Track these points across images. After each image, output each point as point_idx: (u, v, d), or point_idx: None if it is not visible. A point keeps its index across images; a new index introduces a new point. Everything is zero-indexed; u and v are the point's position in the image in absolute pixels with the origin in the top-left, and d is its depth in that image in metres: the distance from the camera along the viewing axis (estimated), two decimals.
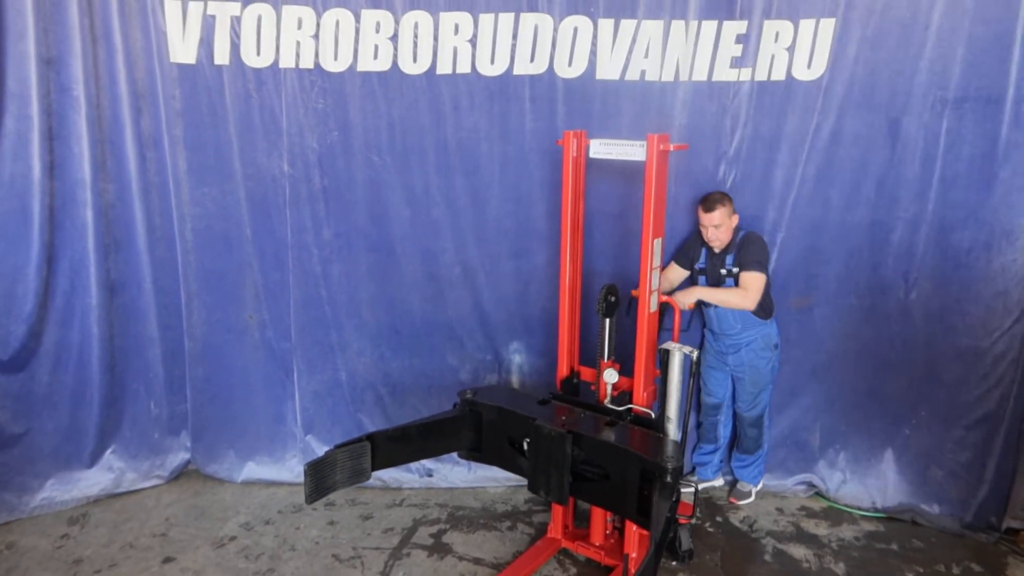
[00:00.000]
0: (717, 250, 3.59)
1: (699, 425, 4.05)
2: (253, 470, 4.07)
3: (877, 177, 3.60)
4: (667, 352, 2.96)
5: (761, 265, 3.52)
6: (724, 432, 4.00)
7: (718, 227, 3.48)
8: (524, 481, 3.95)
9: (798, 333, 3.79)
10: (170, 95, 3.58)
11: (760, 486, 4.03)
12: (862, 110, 3.52)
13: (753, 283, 3.51)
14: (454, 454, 3.94)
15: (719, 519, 3.83)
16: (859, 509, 3.92)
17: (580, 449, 2.87)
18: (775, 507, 3.95)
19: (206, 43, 3.51)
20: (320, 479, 2.75)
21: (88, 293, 3.74)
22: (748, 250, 3.52)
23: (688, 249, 3.72)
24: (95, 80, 3.54)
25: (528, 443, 2.97)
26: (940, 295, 3.64)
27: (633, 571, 2.44)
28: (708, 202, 3.48)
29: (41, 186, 3.54)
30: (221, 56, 3.53)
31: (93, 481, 3.90)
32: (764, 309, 3.63)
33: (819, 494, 4.04)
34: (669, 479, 2.55)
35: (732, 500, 3.98)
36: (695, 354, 2.99)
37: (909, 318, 3.71)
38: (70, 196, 3.63)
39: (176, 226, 3.76)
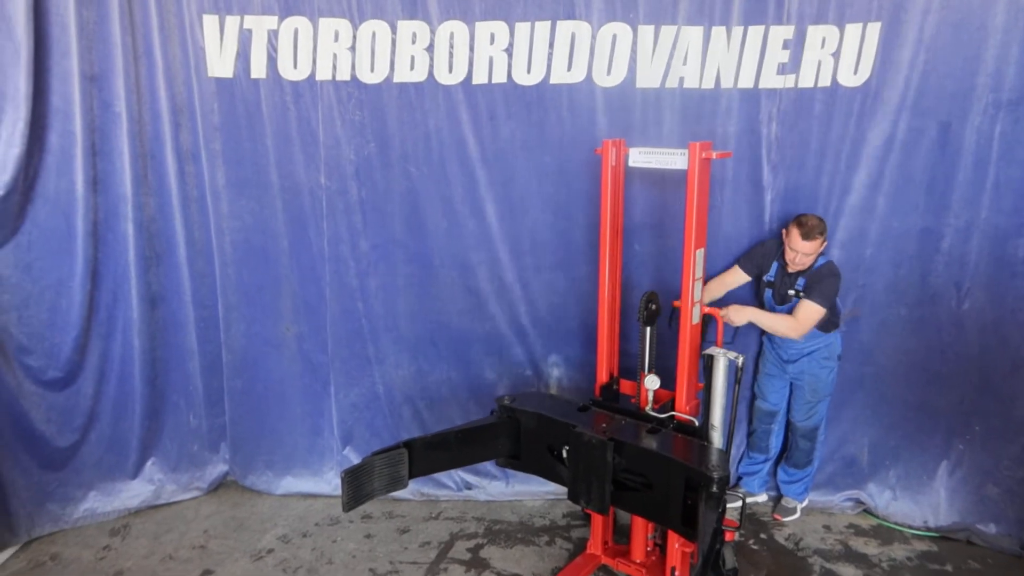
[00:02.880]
0: (792, 270, 3.47)
1: (751, 434, 3.95)
2: (291, 483, 4.07)
3: (927, 183, 3.49)
4: (711, 357, 2.87)
5: (826, 300, 3.39)
6: (776, 442, 3.90)
7: (808, 256, 3.35)
8: (562, 495, 3.95)
9: (846, 344, 3.68)
10: (208, 109, 3.60)
11: (806, 503, 3.92)
12: (911, 115, 3.41)
13: (809, 316, 3.39)
14: (491, 467, 4.01)
15: (763, 536, 3.73)
16: (910, 528, 3.78)
17: (621, 457, 2.80)
18: (822, 524, 3.83)
19: (243, 57, 3.53)
20: (357, 487, 2.74)
21: (129, 306, 3.77)
22: (820, 281, 3.38)
23: (759, 257, 3.58)
24: (136, 96, 3.58)
25: (568, 451, 2.91)
26: (994, 305, 3.51)
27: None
28: (806, 228, 3.28)
29: (85, 201, 3.57)
30: (258, 70, 3.54)
31: (134, 492, 3.94)
32: (829, 322, 3.53)
33: (868, 511, 3.91)
34: (716, 489, 2.47)
35: (776, 517, 3.87)
36: (740, 360, 2.91)
37: (961, 329, 3.58)
38: (112, 210, 3.67)
39: (215, 239, 3.78)
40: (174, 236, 3.79)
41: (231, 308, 3.87)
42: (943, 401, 3.69)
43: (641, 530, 3.32)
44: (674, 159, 2.92)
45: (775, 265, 3.54)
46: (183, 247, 3.80)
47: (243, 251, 3.79)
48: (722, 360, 2.83)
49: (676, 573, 3.10)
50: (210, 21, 3.50)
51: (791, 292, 3.48)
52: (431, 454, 2.94)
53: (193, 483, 4.07)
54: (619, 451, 2.79)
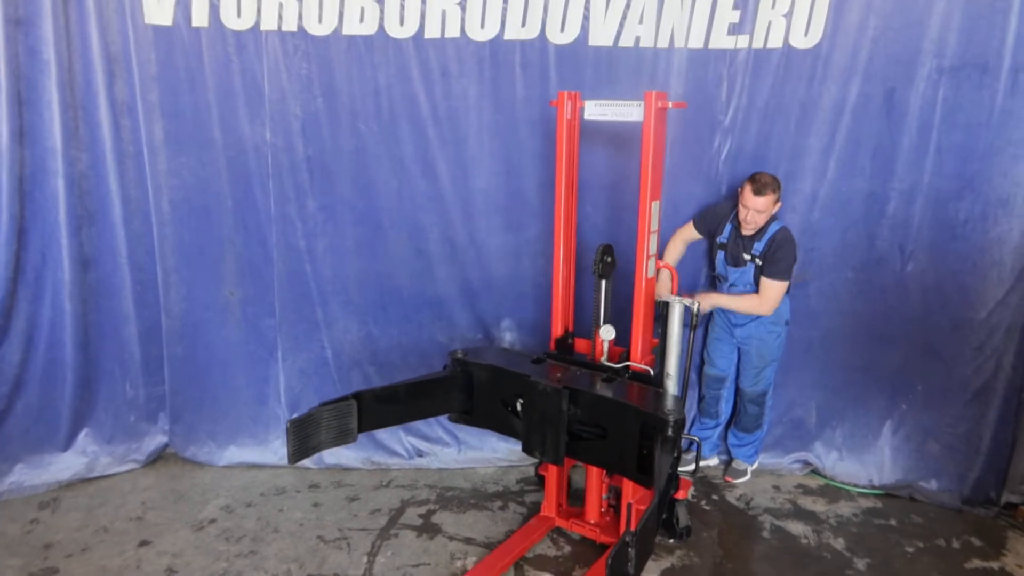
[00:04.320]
0: (746, 232, 3.47)
1: (701, 399, 3.97)
2: (235, 453, 3.92)
3: (873, 148, 3.54)
4: (666, 304, 2.86)
5: (786, 272, 3.41)
6: (725, 408, 3.93)
7: (761, 212, 3.34)
8: (516, 462, 3.94)
9: (795, 308, 3.72)
10: (145, 59, 3.42)
11: (756, 465, 3.96)
12: (859, 79, 3.45)
13: (775, 293, 3.42)
14: (443, 434, 3.94)
15: (715, 497, 3.75)
16: (856, 486, 3.86)
17: (576, 406, 2.77)
18: (771, 485, 3.87)
19: (183, 3, 3.36)
20: (303, 438, 2.66)
21: (60, 267, 3.57)
22: (777, 254, 3.38)
23: (712, 217, 3.58)
24: (66, 43, 3.37)
25: (522, 402, 2.86)
26: (936, 267, 3.60)
27: (634, 526, 2.34)
28: (758, 184, 3.28)
29: (10, 154, 3.36)
30: (199, 18, 3.38)
31: (65, 465, 3.74)
32: None
33: (816, 472, 3.98)
34: (671, 432, 2.45)
35: (728, 479, 3.90)
36: (696, 305, 2.90)
37: (905, 291, 3.66)
38: (40, 165, 3.46)
39: (152, 198, 3.60)
40: (108, 194, 3.59)
41: (170, 271, 3.69)
42: (887, 362, 3.76)
43: (595, 490, 3.30)
44: (630, 110, 2.89)
45: (728, 227, 3.56)
46: (118, 206, 3.61)
47: (183, 210, 3.62)
48: (677, 307, 2.82)
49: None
50: None
51: (746, 256, 3.50)
52: (381, 407, 2.87)
53: (130, 455, 3.88)
54: (574, 400, 2.76)
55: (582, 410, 2.78)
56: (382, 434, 3.90)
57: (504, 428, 3.05)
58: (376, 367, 3.86)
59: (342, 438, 2.80)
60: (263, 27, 3.40)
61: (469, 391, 3.06)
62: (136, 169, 3.59)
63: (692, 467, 3.80)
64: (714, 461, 4.04)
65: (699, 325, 3.51)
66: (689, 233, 3.63)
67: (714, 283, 3.76)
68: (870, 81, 3.46)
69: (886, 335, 3.73)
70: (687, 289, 3.74)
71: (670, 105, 2.83)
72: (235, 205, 3.62)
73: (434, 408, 3.07)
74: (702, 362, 3.94)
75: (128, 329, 3.77)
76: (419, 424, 3.91)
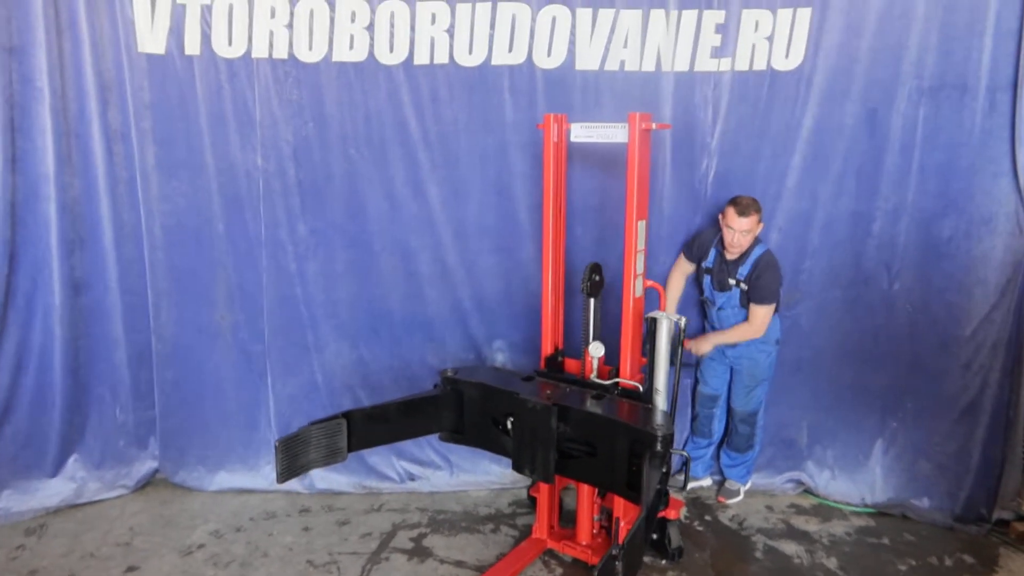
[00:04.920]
0: (731, 256, 3.51)
1: (694, 418, 3.97)
2: (225, 478, 3.89)
3: (857, 168, 3.60)
4: (654, 321, 2.88)
5: (772, 295, 3.47)
6: (718, 427, 3.93)
7: (745, 233, 3.39)
8: (508, 485, 3.92)
9: (785, 328, 3.74)
10: (138, 87, 3.47)
11: (749, 485, 3.95)
12: (841, 100, 3.52)
13: (764, 318, 3.49)
14: (435, 457, 3.93)
15: (708, 518, 3.74)
16: (849, 505, 3.85)
17: (566, 424, 2.77)
18: (764, 505, 3.86)
19: (176, 33, 3.41)
20: (292, 457, 2.66)
21: (51, 292, 3.57)
22: (763, 278, 3.43)
23: (698, 244, 3.63)
24: (60, 71, 3.42)
25: (512, 420, 2.87)
26: (922, 285, 3.63)
27: (622, 539, 2.33)
28: (741, 206, 3.35)
29: (2, 180, 3.39)
30: (192, 46, 3.43)
31: (53, 491, 3.70)
32: None
33: (808, 491, 3.97)
34: (660, 447, 2.46)
35: (720, 499, 3.89)
36: (683, 321, 2.92)
37: (893, 310, 3.69)
38: (32, 191, 3.48)
39: (144, 222, 3.62)
40: (100, 219, 3.61)
41: (161, 295, 3.70)
42: (877, 381, 3.78)
43: (587, 511, 3.28)
44: (615, 132, 2.94)
45: (713, 252, 3.59)
46: (109, 230, 3.62)
47: (175, 235, 3.64)
48: (665, 322, 2.84)
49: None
50: None
51: (731, 281, 3.53)
52: (371, 426, 2.87)
53: (119, 481, 3.84)
54: (563, 417, 2.76)
55: (572, 427, 2.78)
56: (374, 458, 3.88)
57: (494, 446, 3.05)
58: (367, 391, 3.86)
59: (332, 457, 2.80)
60: (254, 55, 3.46)
61: (459, 410, 3.06)
62: (128, 194, 3.62)
63: (687, 487, 3.83)
64: (707, 482, 4.03)
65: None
66: (684, 265, 3.70)
67: (703, 307, 3.79)
68: (853, 102, 3.52)
69: (875, 354, 3.76)
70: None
71: (654, 126, 2.88)
72: (226, 229, 3.64)
73: (424, 427, 3.07)
74: (696, 381, 3.96)
75: (118, 353, 3.76)
76: (411, 447, 3.90)
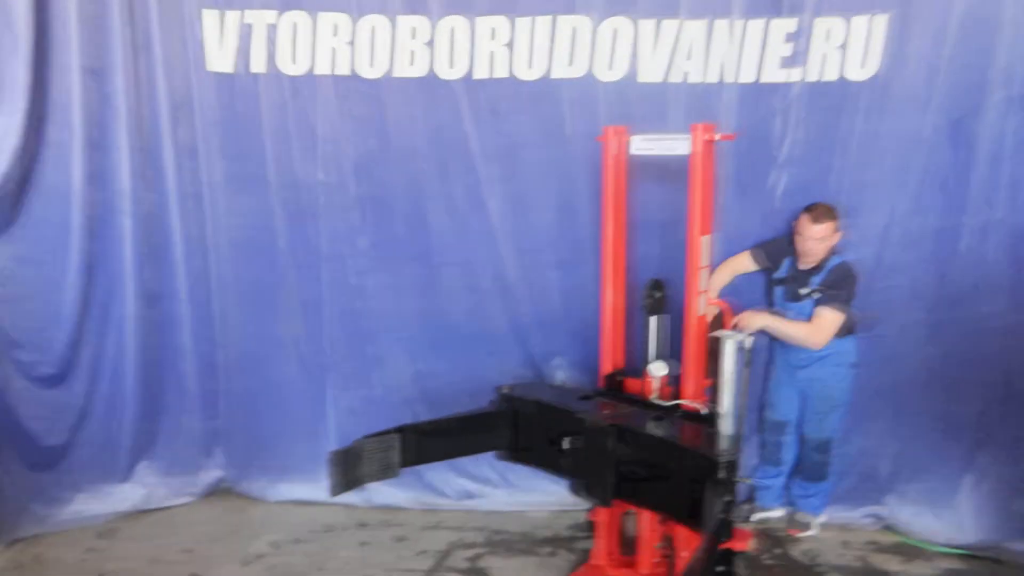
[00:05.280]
0: (805, 266, 3.34)
1: (762, 446, 3.78)
2: (286, 489, 3.95)
3: (940, 181, 3.38)
4: (718, 340, 2.74)
5: (844, 304, 3.26)
6: (789, 455, 3.71)
7: (820, 241, 3.22)
8: (568, 506, 3.82)
9: (863, 351, 3.52)
10: (207, 104, 3.59)
11: (823, 518, 3.72)
12: (921, 110, 3.32)
13: (828, 323, 3.25)
14: (494, 475, 3.87)
15: (778, 551, 3.54)
16: (934, 545, 3.56)
17: (625, 445, 2.67)
18: (840, 540, 3.63)
19: (243, 52, 3.52)
20: (346, 470, 2.65)
21: (125, 303, 3.72)
22: (838, 283, 3.25)
23: (772, 250, 3.46)
24: (136, 90, 3.57)
25: (569, 440, 2.79)
26: (1015, 308, 3.37)
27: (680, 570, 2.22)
28: (816, 213, 3.20)
29: (82, 195, 3.56)
30: (257, 64, 3.53)
31: (124, 496, 3.84)
32: (844, 326, 3.36)
33: (889, 527, 3.71)
34: (722, 473, 2.33)
35: (792, 531, 3.68)
36: (749, 340, 2.77)
37: (983, 333, 3.43)
38: (110, 205, 3.65)
39: (212, 236, 3.73)
40: (171, 232, 3.74)
41: (227, 307, 3.80)
42: (966, 410, 3.52)
43: (648, 538, 3.15)
44: (677, 144, 2.85)
45: (787, 261, 3.42)
46: (180, 243, 3.75)
47: (240, 248, 3.74)
48: (730, 343, 2.70)
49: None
50: (210, 16, 3.49)
51: (804, 291, 3.35)
52: (425, 442, 2.85)
53: (186, 488, 3.95)
54: (622, 438, 2.67)
55: (631, 449, 2.68)
56: (432, 474, 3.86)
57: (551, 467, 2.98)
58: (427, 405, 3.84)
59: (385, 472, 2.79)
60: (317, 71, 3.52)
61: (515, 428, 3.02)
62: (197, 208, 3.73)
63: (752, 516, 3.64)
64: (778, 512, 3.82)
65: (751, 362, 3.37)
66: (742, 262, 3.51)
67: None
68: (934, 113, 3.32)
69: (964, 380, 3.49)
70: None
71: (717, 137, 2.76)
72: (289, 243, 3.71)
73: (480, 444, 3.03)
74: (763, 406, 3.77)
75: (187, 363, 3.88)
76: (469, 464, 3.85)
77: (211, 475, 4.02)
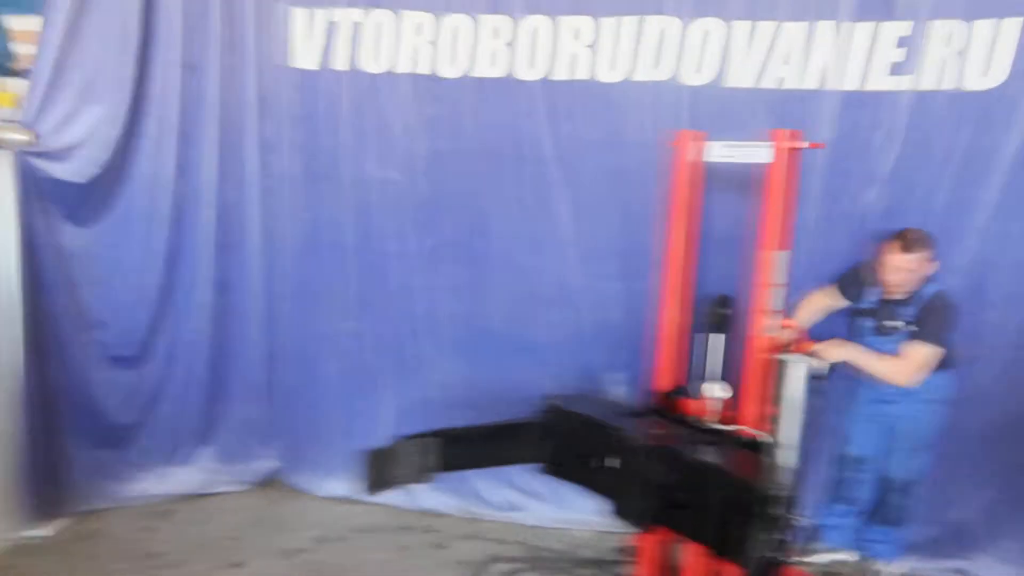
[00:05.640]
0: (893, 296, 3.02)
1: (837, 482, 3.41)
2: (335, 485, 3.89)
3: None
4: (784, 363, 2.46)
5: (941, 338, 2.90)
6: (863, 494, 3.33)
7: (911, 272, 2.91)
8: (616, 528, 3.55)
9: (962, 387, 3.12)
10: (291, 100, 3.65)
11: (898, 569, 3.32)
12: None
13: (921, 359, 2.89)
14: (540, 487, 3.70)
15: None
16: None
17: (671, 469, 2.44)
18: None
19: (327, 49, 3.56)
20: (382, 470, 2.57)
21: (203, 291, 3.81)
22: (933, 316, 2.91)
23: (855, 279, 3.15)
24: (228, 86, 3.68)
25: (613, 458, 2.58)
26: None
27: None
28: (907, 241, 2.89)
29: (171, 186, 3.68)
30: (341, 62, 3.56)
31: (185, 479, 3.89)
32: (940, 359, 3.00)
33: None
34: (772, 508, 2.06)
35: None
36: (823, 368, 2.47)
37: None
38: (195, 196, 3.74)
39: (285, 230, 3.78)
40: (249, 225, 3.80)
41: (293, 300, 3.83)
42: None
43: (693, 571, 2.86)
44: (758, 152, 2.62)
45: (874, 292, 3.09)
46: (257, 236, 3.81)
47: (309, 243, 3.76)
48: (796, 367, 2.41)
49: None
50: (301, 14, 3.57)
51: (894, 324, 3.00)
52: (463, 448, 2.74)
53: (243, 476, 3.98)
54: (668, 460, 2.44)
55: (678, 474, 2.44)
56: (477, 482, 3.74)
57: (593, 485, 2.76)
58: (476, 411, 3.62)
59: (420, 475, 2.70)
60: (398, 70, 3.52)
61: (558, 440, 2.82)
62: (274, 203, 3.78)
63: (815, 558, 3.28)
64: (845, 555, 3.41)
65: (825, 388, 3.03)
66: (830, 298, 3.20)
67: None
68: None
69: None
70: None
71: (804, 145, 2.51)
72: (356, 241, 3.70)
73: (520, 455, 2.86)
74: (840, 440, 3.40)
75: (253, 353, 3.92)
76: (516, 475, 3.69)
77: (265, 465, 4.03)
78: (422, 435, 2.66)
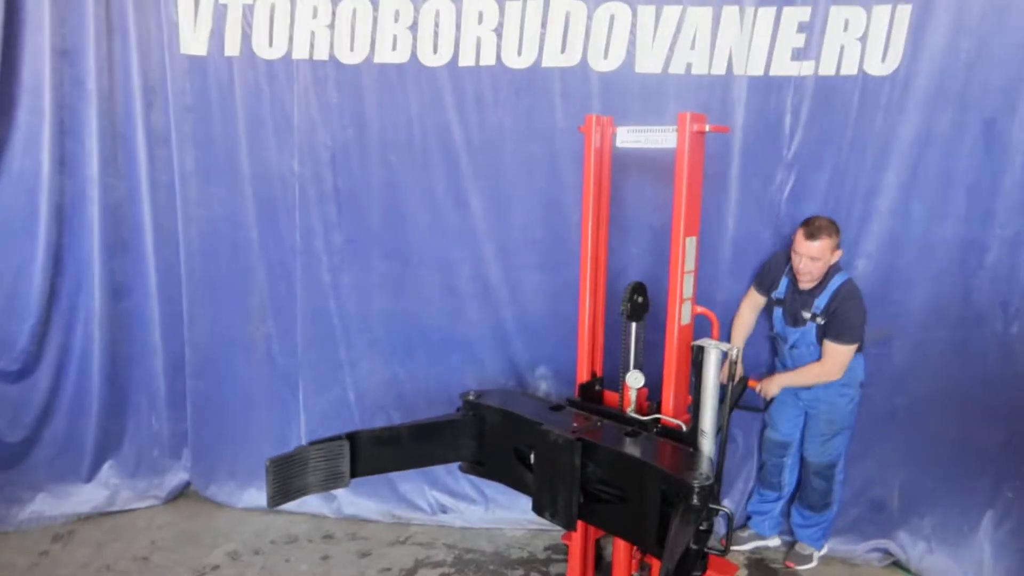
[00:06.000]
0: (804, 287, 3.06)
1: (761, 467, 3.50)
2: (253, 496, 3.73)
3: (967, 187, 3.07)
4: (700, 349, 2.46)
5: (854, 333, 2.99)
6: (790, 478, 3.43)
7: (815, 260, 2.94)
8: (547, 526, 3.56)
9: (873, 370, 3.23)
10: (180, 89, 3.41)
11: (825, 550, 3.42)
12: (950, 108, 3.02)
13: (842, 359, 3.01)
14: (470, 489, 3.65)
15: None
16: None
17: (594, 463, 2.42)
18: (844, 575, 3.32)
19: (217, 34, 3.34)
20: (286, 479, 2.43)
21: (92, 296, 3.56)
22: (844, 313, 2.96)
23: (767, 271, 3.22)
24: (108, 73, 3.41)
25: (534, 454, 2.54)
26: None
27: None
28: (811, 228, 2.93)
29: (51, 181, 3.40)
30: (232, 47, 3.34)
31: (86, 497, 3.67)
32: None
33: (898, 564, 3.39)
34: (696, 500, 2.06)
35: (789, 564, 3.38)
36: (735, 351, 2.50)
37: (1010, 355, 3.11)
38: (79, 193, 3.48)
39: (181, 228, 3.55)
40: (142, 223, 3.57)
41: (196, 303, 3.62)
42: (989, 439, 3.19)
43: (623, 566, 2.88)
44: (664, 137, 2.59)
45: (785, 281, 3.14)
46: (150, 235, 3.58)
47: (210, 242, 3.55)
48: (713, 352, 2.42)
49: None
50: None
51: (806, 315, 3.07)
52: (379, 450, 2.62)
53: (151, 491, 3.77)
54: (590, 455, 2.42)
55: (600, 467, 2.43)
56: (404, 485, 3.65)
57: (516, 482, 2.73)
58: (401, 411, 3.62)
59: (332, 482, 2.57)
60: (294, 55, 3.34)
61: (481, 438, 2.77)
62: (168, 199, 3.57)
63: (741, 546, 3.37)
64: (775, 542, 3.52)
65: (737, 383, 3.11)
66: (754, 298, 3.28)
67: (773, 345, 3.33)
68: (963, 110, 3.01)
69: (987, 406, 3.17)
70: (751, 369, 3.36)
71: (707, 128, 2.49)
72: (261, 237, 3.52)
73: (441, 455, 2.79)
74: (763, 425, 3.48)
75: (155, 361, 3.71)
76: (444, 477, 3.63)
77: (178, 478, 3.84)
78: (331, 439, 2.55)
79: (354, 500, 3.65)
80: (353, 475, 2.60)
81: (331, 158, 3.42)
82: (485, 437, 2.78)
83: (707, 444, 2.48)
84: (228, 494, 3.78)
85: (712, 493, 2.17)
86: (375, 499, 3.65)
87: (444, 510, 3.67)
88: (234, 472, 3.77)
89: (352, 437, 2.58)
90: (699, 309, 2.69)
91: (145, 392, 3.74)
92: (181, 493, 3.87)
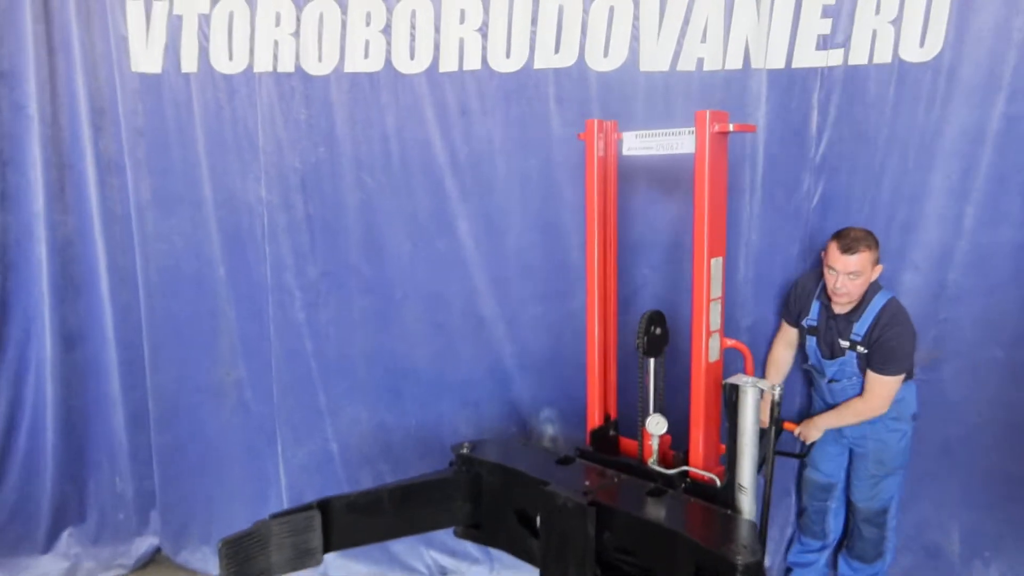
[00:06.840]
0: (840, 310, 2.67)
1: (801, 513, 3.09)
2: None
3: (1021, 185, 2.68)
4: (735, 388, 2.06)
5: (901, 363, 2.60)
6: (835, 524, 3.02)
7: (854, 276, 2.54)
8: None
9: (924, 398, 2.82)
10: (132, 110, 3.09)
11: None
12: (1003, 98, 2.64)
13: (888, 391, 2.62)
14: (472, 548, 3.24)
15: None
16: None
17: (610, 529, 2.05)
18: None
19: (172, 48, 3.02)
20: (243, 562, 2.06)
21: (42, 345, 3.24)
22: (889, 340, 2.57)
23: (796, 296, 2.83)
24: (51, 95, 3.11)
25: (540, 517, 2.17)
26: None
27: None
28: (847, 239, 2.53)
29: None
30: (188, 63, 3.02)
31: (44, 570, 3.31)
32: None
33: None
34: None
35: None
36: (777, 391, 2.10)
37: None
38: (25, 231, 3.18)
39: (139, 265, 3.22)
40: (94, 262, 3.25)
41: (159, 348, 3.27)
42: None
43: None
44: (679, 140, 2.22)
45: (816, 305, 2.75)
46: (104, 275, 3.25)
47: (172, 280, 3.21)
48: (751, 392, 2.02)
49: None
50: (134, 7, 3.01)
51: (844, 343, 2.67)
52: (357, 519, 2.25)
53: (117, 559, 3.40)
54: (606, 520, 2.04)
55: (617, 535, 2.04)
56: (397, 546, 3.26)
57: (520, 550, 2.37)
58: (390, 464, 3.24)
59: (301, 560, 2.20)
60: (256, 69, 3.00)
61: (477, 498, 2.40)
62: (123, 233, 3.24)
63: None
64: None
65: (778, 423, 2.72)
66: (787, 334, 2.90)
67: (809, 378, 2.93)
68: (1016, 100, 2.62)
69: None
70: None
71: (731, 128, 2.12)
72: (228, 273, 3.17)
73: (431, 520, 2.41)
74: (803, 465, 3.08)
75: (115, 414, 3.36)
76: (443, 535, 3.21)
77: (146, 543, 3.47)
78: (298, 510, 2.17)
79: (343, 563, 3.27)
80: (327, 550, 2.23)
81: (300, 182, 3.08)
82: (482, 497, 2.40)
83: (747, 504, 2.07)
84: (203, 560, 3.41)
85: (759, 570, 1.77)
86: (366, 561, 3.28)
87: (444, 572, 3.28)
88: (208, 535, 3.38)
89: (324, 506, 2.20)
90: (729, 342, 2.29)
91: (105, 449, 3.39)
92: (151, 560, 3.49)
